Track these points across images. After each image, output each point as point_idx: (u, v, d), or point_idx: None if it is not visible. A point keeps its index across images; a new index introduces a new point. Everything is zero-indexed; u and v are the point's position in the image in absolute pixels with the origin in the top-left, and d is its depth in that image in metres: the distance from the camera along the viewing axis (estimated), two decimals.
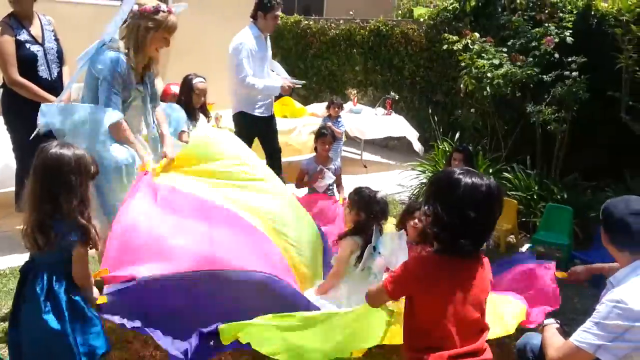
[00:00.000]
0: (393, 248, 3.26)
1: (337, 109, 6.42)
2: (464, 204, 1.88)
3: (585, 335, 2.04)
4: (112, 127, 3.03)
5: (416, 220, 3.51)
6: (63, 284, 2.21)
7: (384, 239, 3.29)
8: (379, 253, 3.24)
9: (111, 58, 3.04)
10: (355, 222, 3.32)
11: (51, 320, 2.15)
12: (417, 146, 7.28)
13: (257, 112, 4.91)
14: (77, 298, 2.24)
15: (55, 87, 4.00)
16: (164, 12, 3.08)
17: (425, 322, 1.98)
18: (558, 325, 2.32)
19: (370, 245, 3.21)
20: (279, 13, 4.78)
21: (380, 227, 3.33)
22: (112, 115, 3.02)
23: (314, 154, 4.80)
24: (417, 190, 6.07)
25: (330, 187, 4.53)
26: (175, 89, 4.33)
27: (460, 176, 1.93)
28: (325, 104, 6.92)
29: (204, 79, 4.50)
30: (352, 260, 3.28)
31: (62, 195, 2.11)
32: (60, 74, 4.11)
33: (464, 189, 1.90)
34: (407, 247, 3.30)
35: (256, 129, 4.93)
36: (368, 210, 3.25)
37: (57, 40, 4.15)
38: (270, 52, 5.10)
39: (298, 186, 4.54)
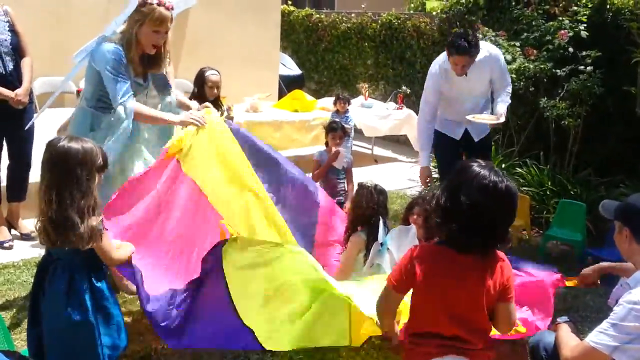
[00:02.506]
0: (402, 243, 3.26)
1: (344, 104, 6.32)
2: (460, 188, 1.88)
3: (601, 336, 2.01)
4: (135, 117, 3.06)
5: (415, 216, 3.50)
6: (84, 275, 2.21)
7: (392, 234, 3.28)
8: (388, 249, 3.24)
9: (108, 49, 3.01)
10: (353, 214, 3.38)
11: (73, 312, 2.17)
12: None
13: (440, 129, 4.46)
14: (100, 287, 2.25)
15: (10, 80, 3.91)
16: (151, 4, 3.00)
17: (419, 306, 1.99)
18: (571, 323, 2.30)
19: (377, 242, 3.20)
20: (462, 59, 3.92)
21: (385, 222, 3.32)
22: (123, 111, 3.01)
23: (324, 148, 4.80)
24: (428, 185, 6.04)
25: (342, 179, 4.51)
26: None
27: (473, 164, 1.93)
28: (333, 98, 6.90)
29: (217, 71, 4.50)
30: (360, 258, 3.28)
31: (67, 189, 2.10)
32: (17, 66, 3.96)
33: (467, 175, 1.90)
34: (417, 242, 3.29)
35: (442, 148, 4.47)
36: (360, 199, 3.33)
37: (13, 31, 3.95)
38: (468, 83, 4.17)
39: (315, 178, 4.51)
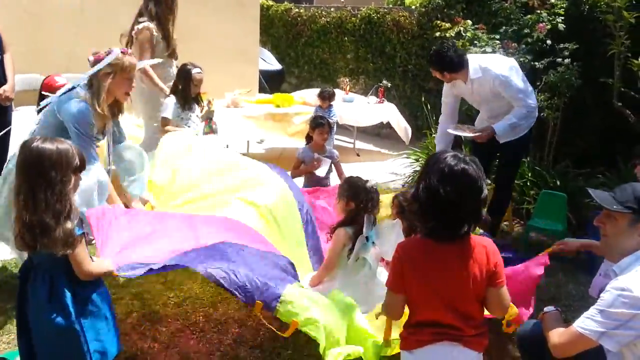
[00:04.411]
0: (388, 238, 3.26)
1: (327, 100, 6.29)
2: (434, 179, 1.91)
3: (589, 322, 2.04)
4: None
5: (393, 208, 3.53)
6: (65, 281, 2.16)
7: (378, 229, 3.28)
8: (373, 243, 3.24)
9: (78, 108, 3.05)
10: (346, 212, 3.32)
11: (56, 318, 2.12)
12: (405, 137, 7.32)
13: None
14: (84, 291, 2.21)
15: None
16: (117, 55, 3.10)
17: (413, 300, 2.02)
18: (558, 312, 2.33)
19: (362, 235, 3.20)
20: (432, 70, 4.16)
21: (373, 217, 3.31)
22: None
23: (307, 144, 4.81)
24: (410, 179, 6.08)
25: (327, 176, 4.52)
26: (60, 81, 3.81)
27: (438, 154, 1.98)
28: (315, 90, 6.87)
29: (201, 69, 4.48)
30: (345, 252, 3.27)
31: (42, 192, 2.04)
32: (1, 62, 3.90)
33: (428, 163, 1.95)
34: (403, 235, 3.30)
35: (474, 147, 4.42)
36: (358, 199, 3.24)
37: None
38: (472, 95, 4.29)
39: (294, 175, 4.52)
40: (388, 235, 3.30)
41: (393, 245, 3.16)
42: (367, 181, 3.32)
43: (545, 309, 2.35)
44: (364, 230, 3.19)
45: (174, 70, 4.77)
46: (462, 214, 1.94)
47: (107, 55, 3.06)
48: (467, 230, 1.97)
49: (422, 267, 1.97)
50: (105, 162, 3.38)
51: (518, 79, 4.09)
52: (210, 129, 4.97)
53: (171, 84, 4.68)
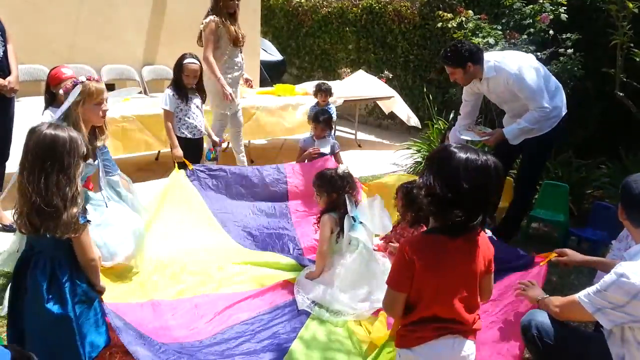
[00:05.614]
0: (372, 214, 3.32)
1: (325, 97, 5.88)
2: (457, 176, 1.86)
3: (588, 296, 2.17)
4: None
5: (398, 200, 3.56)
6: (66, 270, 2.19)
7: (360, 209, 3.33)
8: (361, 223, 3.27)
9: None
10: (327, 203, 3.38)
11: (54, 306, 2.15)
12: (412, 121, 7.34)
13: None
14: (82, 286, 2.24)
15: (1, 67, 3.82)
16: (82, 82, 3.08)
17: (417, 297, 1.99)
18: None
19: (347, 216, 3.24)
20: (446, 67, 4.04)
21: (353, 198, 3.37)
22: None
23: (310, 134, 4.88)
24: (412, 169, 6.08)
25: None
26: (67, 72, 3.68)
27: (453, 150, 1.93)
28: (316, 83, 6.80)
29: (197, 59, 4.42)
30: (334, 237, 3.31)
31: (54, 176, 2.08)
32: (5, 52, 3.86)
33: (457, 161, 1.88)
34: (386, 210, 3.39)
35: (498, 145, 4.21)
36: (336, 188, 3.35)
37: None
38: (489, 92, 4.17)
39: (298, 162, 4.61)
40: (372, 212, 3.35)
41: (378, 219, 3.28)
42: (336, 169, 3.47)
43: (539, 298, 2.50)
44: (349, 210, 3.24)
45: (239, 59, 5.15)
46: (487, 205, 1.94)
47: (73, 86, 3.04)
48: (479, 223, 1.93)
49: (436, 266, 1.94)
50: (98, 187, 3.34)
51: (534, 78, 3.87)
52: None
53: (239, 73, 5.17)
